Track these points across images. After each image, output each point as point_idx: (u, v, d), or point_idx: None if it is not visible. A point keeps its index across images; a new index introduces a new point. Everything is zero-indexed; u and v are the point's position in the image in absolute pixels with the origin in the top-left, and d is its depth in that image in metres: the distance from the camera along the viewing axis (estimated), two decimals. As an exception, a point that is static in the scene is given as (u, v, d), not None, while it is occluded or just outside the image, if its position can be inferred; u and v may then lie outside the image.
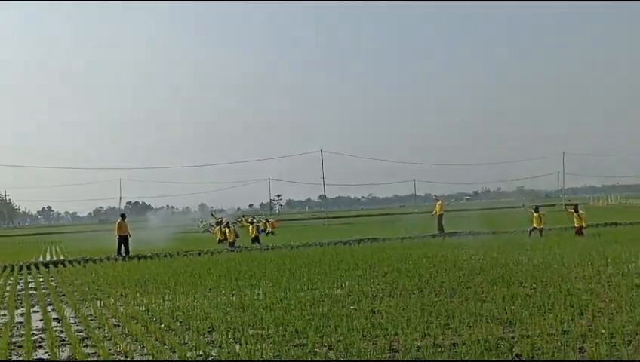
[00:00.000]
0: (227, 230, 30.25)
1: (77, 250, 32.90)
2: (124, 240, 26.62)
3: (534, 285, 11.94)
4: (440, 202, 31.80)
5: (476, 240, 24.92)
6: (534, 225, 25.74)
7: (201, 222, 58.07)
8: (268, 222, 47.56)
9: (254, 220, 39.48)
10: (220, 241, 31.56)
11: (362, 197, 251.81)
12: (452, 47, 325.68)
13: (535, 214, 25.93)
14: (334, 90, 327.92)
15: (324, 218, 69.71)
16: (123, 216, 28.08)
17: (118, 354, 7.97)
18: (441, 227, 30.57)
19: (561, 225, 30.51)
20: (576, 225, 25.00)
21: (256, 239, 30.88)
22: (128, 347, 8.33)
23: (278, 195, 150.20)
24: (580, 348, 7.07)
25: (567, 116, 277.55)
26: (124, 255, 25.74)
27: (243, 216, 53.13)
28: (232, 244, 28.68)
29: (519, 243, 21.75)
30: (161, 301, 12.58)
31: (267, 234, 41.58)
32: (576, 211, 25.18)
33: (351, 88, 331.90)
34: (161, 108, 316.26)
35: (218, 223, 33.71)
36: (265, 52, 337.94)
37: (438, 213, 31.17)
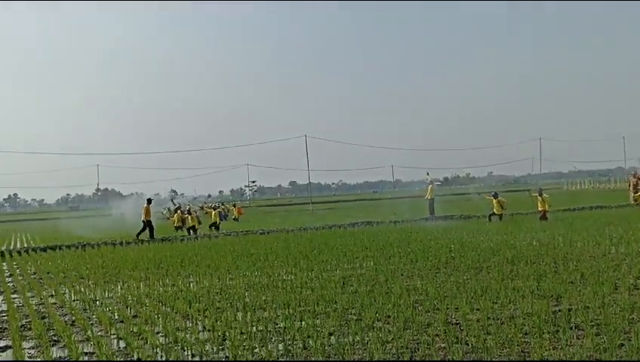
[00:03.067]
0: (189, 216, 30.47)
1: (73, 235, 32.47)
2: (149, 224, 27.02)
3: (554, 264, 12.29)
4: (431, 185, 32.18)
5: (470, 224, 25.37)
6: (494, 210, 26.04)
7: (164, 209, 57.32)
8: (234, 207, 47.97)
9: (217, 206, 39.97)
10: (178, 228, 31.73)
11: (332, 183, 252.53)
12: (427, 41, 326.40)
13: (494, 200, 26.20)
14: (314, 80, 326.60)
15: (308, 203, 69.96)
16: (149, 201, 28.36)
17: (179, 331, 8.11)
18: (432, 210, 30.95)
19: (527, 209, 30.73)
20: (539, 209, 25.41)
21: (214, 225, 31.37)
22: (183, 323, 8.51)
23: (253, 181, 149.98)
24: (630, 319, 7.41)
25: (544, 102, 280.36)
26: (149, 238, 26.32)
27: (205, 203, 53.29)
28: (194, 230, 28.87)
29: (517, 226, 22.18)
30: (187, 283, 12.71)
31: (234, 220, 42.62)
32: (541, 195, 25.60)
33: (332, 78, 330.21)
34: (136, 94, 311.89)
35: (177, 209, 33.86)
36: (244, 40, 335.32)
37: (429, 197, 31.53)
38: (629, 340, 6.44)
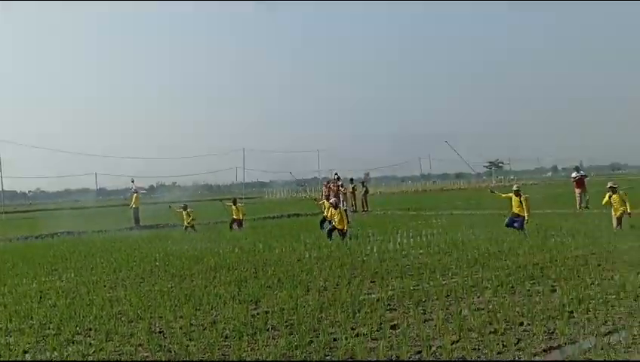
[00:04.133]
0: None
1: None
2: None
3: (254, 269, 12.96)
4: (136, 194, 31.64)
5: (175, 232, 25.52)
6: (185, 222, 26.40)
7: None
8: None
9: None
10: None
11: (29, 191, 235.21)
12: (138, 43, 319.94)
13: (184, 212, 26.65)
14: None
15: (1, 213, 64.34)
16: None
17: None
18: (137, 219, 30.50)
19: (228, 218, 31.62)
20: (234, 217, 26.43)
21: None
22: None
23: None
24: (319, 318, 8.16)
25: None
26: None
27: None
28: None
29: (220, 234, 22.86)
30: None
31: None
32: (235, 204, 26.63)
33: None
34: None
35: None
36: None
37: (134, 206, 31.00)
38: (317, 337, 7.10)
